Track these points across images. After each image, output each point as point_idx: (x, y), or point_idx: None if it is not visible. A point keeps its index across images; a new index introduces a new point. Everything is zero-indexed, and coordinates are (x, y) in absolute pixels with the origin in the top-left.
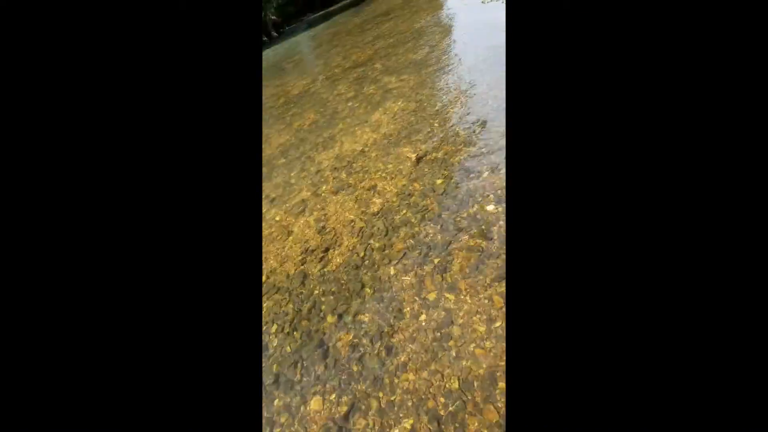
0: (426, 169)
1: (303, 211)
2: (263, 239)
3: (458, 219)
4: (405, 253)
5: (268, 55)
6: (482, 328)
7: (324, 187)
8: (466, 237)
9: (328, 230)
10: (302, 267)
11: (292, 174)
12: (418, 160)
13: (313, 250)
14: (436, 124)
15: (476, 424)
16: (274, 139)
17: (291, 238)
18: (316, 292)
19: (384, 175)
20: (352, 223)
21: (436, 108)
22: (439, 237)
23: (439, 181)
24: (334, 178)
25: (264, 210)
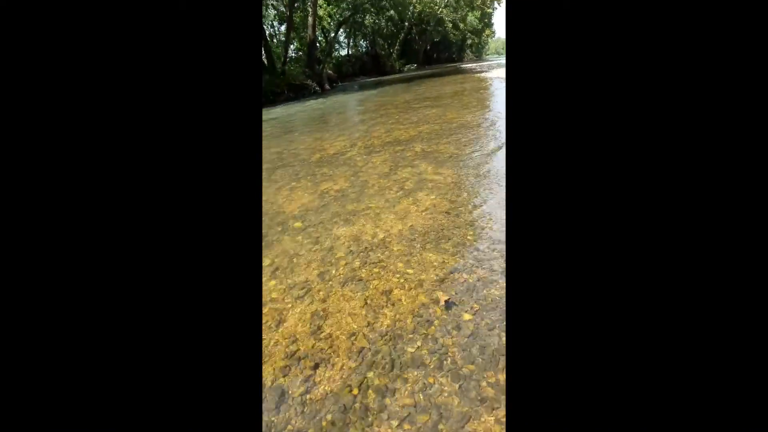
0: (453, 292)
1: (303, 296)
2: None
3: (482, 384)
4: (409, 414)
5: (317, 104)
6: None
7: (333, 272)
8: (488, 414)
9: (324, 334)
10: (282, 380)
11: (304, 242)
12: (447, 302)
13: (300, 359)
14: (469, 236)
15: None
16: (297, 198)
17: (281, 330)
18: (290, 427)
19: (402, 281)
20: (354, 337)
21: (472, 217)
22: (456, 402)
23: (466, 317)
24: (345, 264)
25: (264, 279)
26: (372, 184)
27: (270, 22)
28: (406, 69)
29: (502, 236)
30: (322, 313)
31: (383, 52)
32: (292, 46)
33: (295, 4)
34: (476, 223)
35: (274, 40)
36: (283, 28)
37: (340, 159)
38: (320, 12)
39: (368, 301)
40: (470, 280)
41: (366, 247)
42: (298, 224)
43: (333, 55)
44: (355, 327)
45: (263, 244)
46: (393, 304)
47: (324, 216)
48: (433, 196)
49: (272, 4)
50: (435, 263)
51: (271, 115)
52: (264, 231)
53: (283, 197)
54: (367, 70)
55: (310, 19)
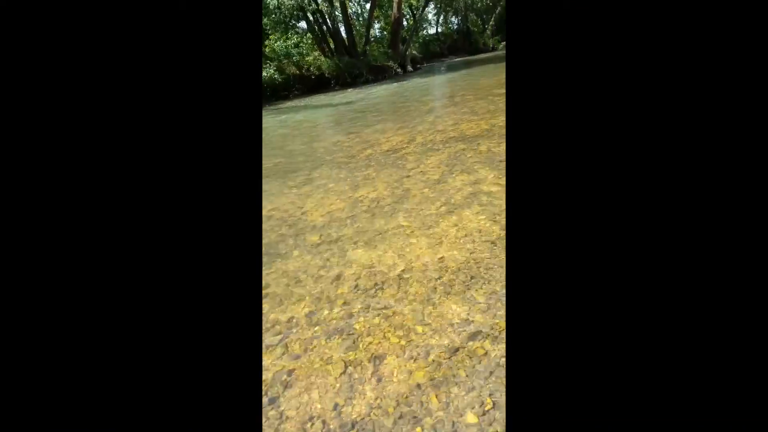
0: (462, 372)
1: (276, 344)
2: None
3: None
4: None
5: (393, 88)
6: None
7: (325, 314)
8: None
9: (273, 412)
10: None
11: (311, 264)
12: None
13: None
14: None
15: None
16: (327, 203)
17: None
18: None
19: (403, 344)
20: (312, 422)
21: None
22: None
23: (471, 418)
24: (343, 305)
25: None
26: (415, 194)
27: (355, 1)
28: (501, 47)
29: None
30: (285, 377)
31: (476, 29)
32: (377, 25)
33: None
34: None
35: (360, 19)
36: (368, 6)
37: (391, 158)
38: None
39: (349, 369)
40: (492, 354)
41: (377, 283)
42: (314, 238)
43: (420, 34)
44: (318, 409)
45: (271, 255)
46: (379, 381)
47: (346, 231)
48: (483, 217)
49: None
50: (455, 320)
51: (340, 99)
52: (277, 239)
53: (313, 201)
54: (457, 48)
55: None
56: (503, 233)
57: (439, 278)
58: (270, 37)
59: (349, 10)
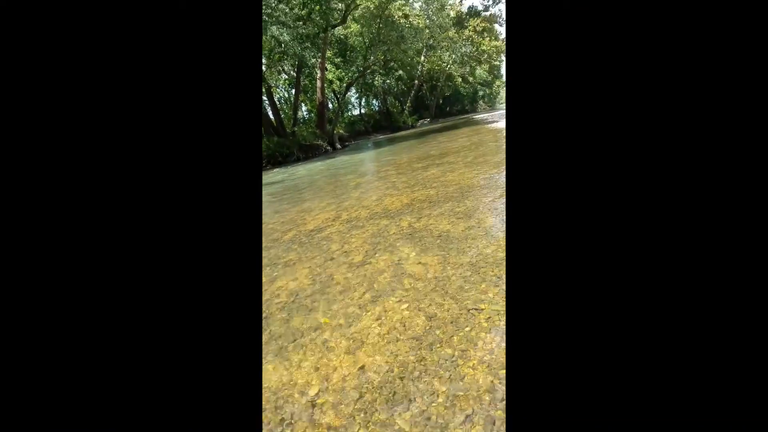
0: None
1: None
2: None
3: None
4: None
5: (322, 165)
6: None
7: None
8: None
9: None
10: None
11: None
12: None
13: None
14: (440, 401)
15: None
16: None
17: None
18: None
19: None
20: None
21: (452, 350)
22: None
23: None
24: None
25: None
26: (337, 281)
27: (282, 86)
28: (419, 124)
29: (502, 406)
30: None
31: (395, 110)
32: (304, 108)
33: (305, 70)
34: (456, 364)
35: (287, 103)
36: (293, 91)
37: (316, 238)
38: (329, 75)
39: None
40: None
41: (283, 418)
42: None
43: (345, 115)
44: None
45: None
46: None
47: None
48: (405, 308)
49: (284, 69)
50: None
51: (270, 178)
52: None
53: None
54: (381, 127)
55: (318, 82)
56: (426, 327)
57: (359, 400)
58: None
59: (276, 95)
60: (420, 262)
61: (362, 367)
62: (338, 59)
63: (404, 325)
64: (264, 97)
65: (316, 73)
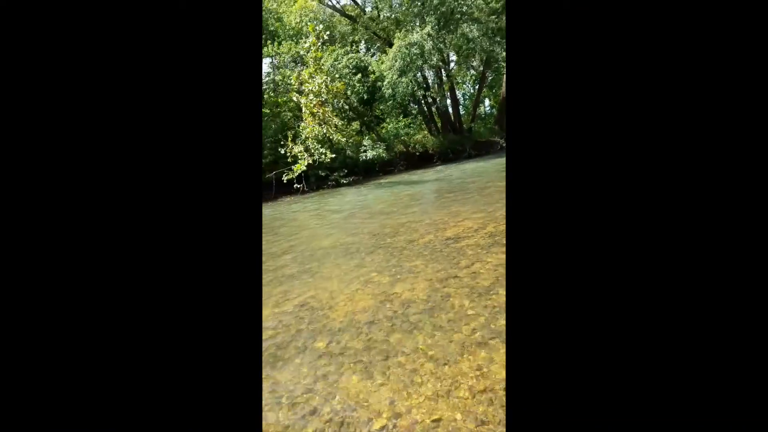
0: None
1: None
2: None
3: None
4: None
5: (487, 164)
6: None
7: None
8: None
9: None
10: None
11: (299, 382)
12: None
13: None
14: None
15: None
16: (358, 298)
17: None
18: None
19: None
20: None
21: None
22: None
23: None
24: None
25: None
26: (453, 304)
27: (469, 82)
28: None
29: None
30: None
31: None
32: (487, 104)
33: (493, 64)
34: None
35: (470, 99)
36: (477, 87)
37: (449, 248)
38: None
39: None
40: None
41: None
42: (321, 345)
43: None
44: None
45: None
46: None
47: (355, 344)
48: None
49: (472, 66)
50: None
51: (433, 175)
52: (289, 338)
53: (348, 293)
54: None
55: (504, 77)
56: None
57: None
58: (386, 120)
59: (459, 92)
60: None
61: (437, 420)
62: None
63: (497, 389)
64: (447, 94)
65: (502, 67)
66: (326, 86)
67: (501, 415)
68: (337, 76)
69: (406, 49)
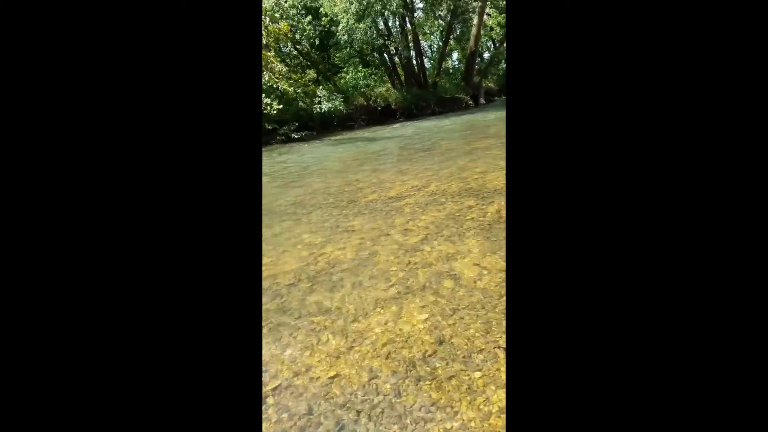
0: None
1: None
2: None
3: None
4: None
5: (451, 122)
6: None
7: None
8: None
9: None
10: None
11: None
12: None
13: None
14: None
15: None
16: (284, 260)
17: None
18: None
19: None
20: None
21: None
22: None
23: None
24: None
25: None
26: (377, 260)
27: (437, 33)
28: None
29: None
30: None
31: None
32: (454, 57)
33: (461, 15)
34: None
35: (438, 53)
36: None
37: (389, 206)
38: (490, 21)
39: None
40: None
41: None
42: None
43: (500, 67)
44: None
45: None
46: None
47: (271, 305)
48: (424, 317)
49: (441, 15)
50: None
51: (388, 132)
52: None
53: (274, 255)
54: None
55: (473, 29)
56: (438, 349)
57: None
58: (343, 71)
59: (424, 43)
60: (477, 263)
61: (332, 378)
62: (503, 1)
63: (407, 341)
64: (412, 46)
65: (472, 19)
66: (264, 27)
67: (396, 367)
68: (281, 16)
69: None
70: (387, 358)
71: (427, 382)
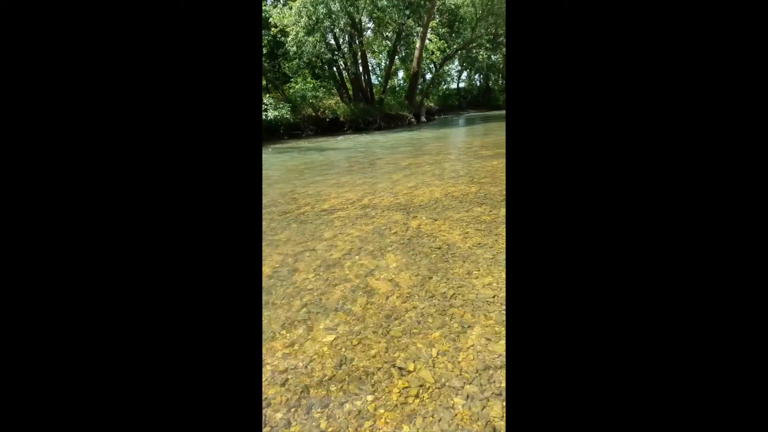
0: None
1: None
2: None
3: None
4: None
5: (395, 137)
6: None
7: None
8: None
9: None
10: None
11: None
12: None
13: None
14: None
15: None
16: None
17: None
18: None
19: None
20: None
21: None
22: None
23: None
24: None
25: None
26: (295, 280)
27: (384, 52)
28: None
29: None
30: None
31: (497, 87)
32: (400, 76)
33: (405, 38)
34: None
35: (379, 71)
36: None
37: (320, 219)
38: (431, 46)
39: None
40: None
41: None
42: None
43: (440, 88)
44: None
45: None
46: None
47: None
48: (334, 337)
49: (387, 36)
50: None
51: (340, 144)
52: None
53: None
54: (477, 103)
55: (416, 51)
56: (337, 373)
57: None
58: (291, 81)
59: (373, 60)
60: (388, 279)
61: None
62: (444, 29)
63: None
64: (360, 62)
65: (416, 42)
66: None
67: (290, 397)
68: None
69: (312, 6)
70: (283, 386)
71: (318, 411)
